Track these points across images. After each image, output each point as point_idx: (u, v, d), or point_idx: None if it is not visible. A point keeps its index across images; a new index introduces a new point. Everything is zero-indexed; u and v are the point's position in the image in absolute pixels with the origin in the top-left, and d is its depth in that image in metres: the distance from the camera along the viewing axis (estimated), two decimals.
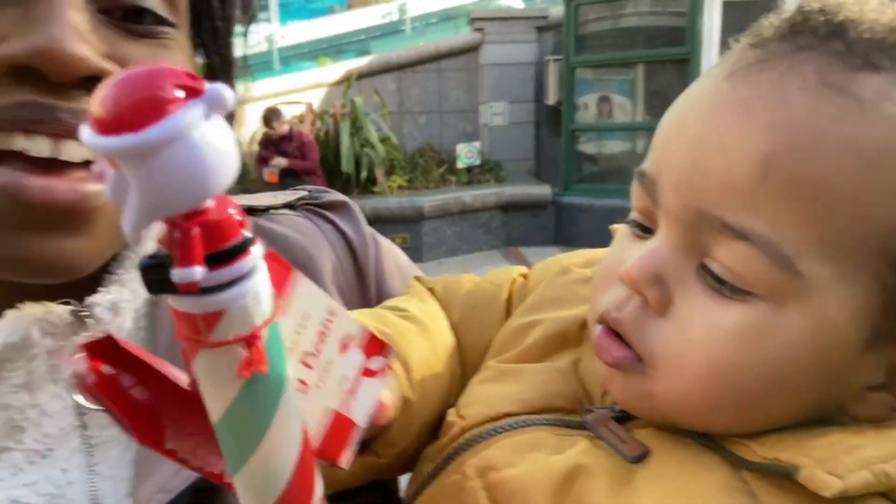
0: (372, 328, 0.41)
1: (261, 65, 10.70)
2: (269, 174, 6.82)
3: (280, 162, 6.81)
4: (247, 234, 0.28)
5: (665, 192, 0.43)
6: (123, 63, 0.44)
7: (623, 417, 0.47)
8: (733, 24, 6.65)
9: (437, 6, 12.05)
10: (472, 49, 8.87)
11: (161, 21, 0.46)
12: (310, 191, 0.70)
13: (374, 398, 0.41)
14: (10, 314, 0.48)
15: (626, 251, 0.46)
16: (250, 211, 0.63)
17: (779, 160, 0.38)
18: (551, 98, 8.17)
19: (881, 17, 0.40)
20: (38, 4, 0.41)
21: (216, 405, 0.30)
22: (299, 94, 8.42)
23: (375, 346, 0.40)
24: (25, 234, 0.43)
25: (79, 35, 0.41)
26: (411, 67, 8.84)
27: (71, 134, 0.41)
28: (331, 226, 0.67)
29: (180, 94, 0.25)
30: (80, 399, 0.49)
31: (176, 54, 0.48)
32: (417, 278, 0.66)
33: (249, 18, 0.56)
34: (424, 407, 0.52)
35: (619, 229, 0.50)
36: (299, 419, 0.33)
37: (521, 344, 0.54)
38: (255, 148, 7.27)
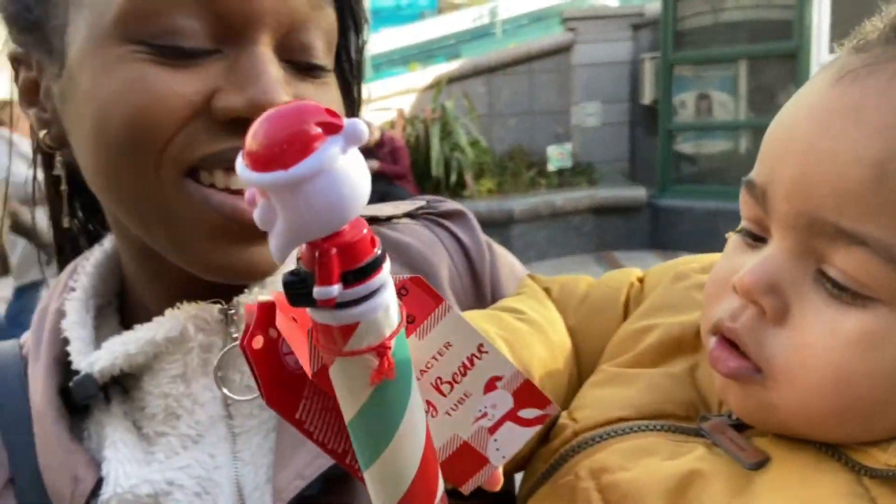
0: (532, 381, 0.41)
1: None
2: None
3: (372, 165, 6.96)
4: (378, 252, 0.31)
5: (777, 201, 0.43)
6: (306, 94, 0.52)
7: (740, 425, 0.47)
8: (843, 17, 6.31)
9: (528, 7, 12.07)
10: (563, 49, 8.81)
11: (321, 67, 0.53)
12: (428, 201, 0.73)
13: (518, 445, 0.41)
14: (170, 312, 0.55)
15: (737, 260, 0.46)
16: (373, 220, 0.67)
17: (892, 164, 0.38)
18: (647, 97, 8.01)
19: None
20: (245, 59, 0.47)
21: (349, 407, 0.34)
22: (390, 99, 8.60)
23: (532, 396, 0.40)
24: (239, 246, 0.50)
25: (282, 87, 0.48)
26: (502, 70, 8.86)
27: None
28: (448, 234, 0.70)
29: (322, 130, 0.28)
30: (227, 392, 0.56)
31: (333, 90, 0.55)
32: (532, 277, 0.67)
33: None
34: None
35: (731, 238, 0.49)
36: (424, 424, 0.36)
37: (635, 348, 0.54)
38: None
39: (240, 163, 0.29)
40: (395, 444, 0.34)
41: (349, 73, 0.61)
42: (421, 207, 0.72)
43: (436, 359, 0.38)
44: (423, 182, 7.65)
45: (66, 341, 0.57)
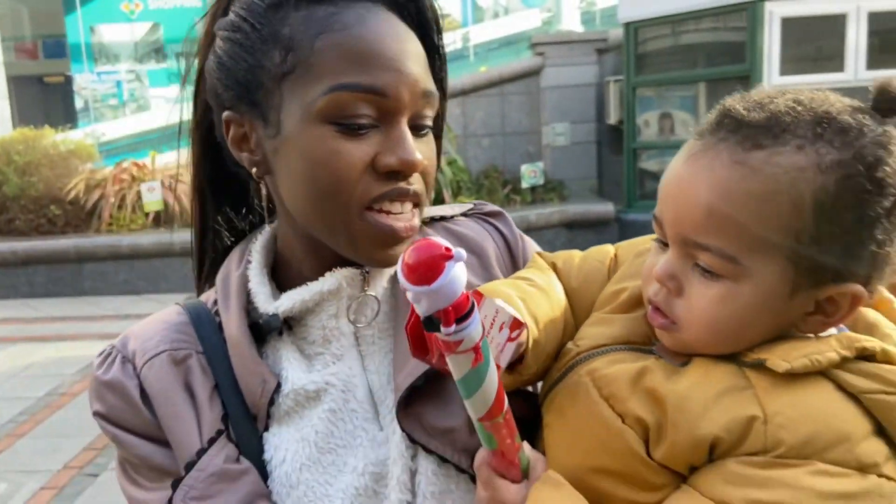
0: (514, 313, 0.67)
1: None
2: None
3: None
4: (472, 301, 0.55)
5: (666, 227, 0.71)
6: (424, 155, 0.76)
7: None
8: (793, 41, 6.70)
9: (499, 33, 12.35)
10: (533, 73, 9.15)
11: (430, 127, 0.80)
12: (475, 204, 1.00)
13: (512, 354, 0.69)
14: (329, 274, 0.81)
15: (655, 259, 0.74)
16: (441, 218, 0.95)
17: (714, 206, 0.66)
18: (612, 117, 8.35)
19: (760, 114, 0.67)
20: (394, 132, 0.74)
21: (458, 373, 0.60)
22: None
23: (517, 324, 0.67)
24: (391, 249, 0.77)
25: (416, 150, 0.74)
26: (475, 92, 9.17)
27: (410, 200, 0.77)
28: (493, 227, 0.97)
29: (445, 255, 0.52)
30: (358, 327, 0.82)
31: (433, 144, 0.81)
32: (540, 254, 0.93)
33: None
34: (548, 345, 0.78)
35: (652, 244, 0.77)
36: (496, 373, 0.62)
37: (614, 302, 0.81)
38: None
39: (401, 275, 0.52)
40: (482, 389, 0.61)
41: (439, 128, 0.85)
42: (471, 209, 0.99)
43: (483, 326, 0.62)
44: None
45: (248, 296, 0.83)
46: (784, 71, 6.70)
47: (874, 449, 0.63)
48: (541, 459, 0.73)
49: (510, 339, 0.68)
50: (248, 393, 0.79)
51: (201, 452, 0.77)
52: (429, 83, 0.77)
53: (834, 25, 6.67)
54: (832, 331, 0.71)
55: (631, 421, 0.68)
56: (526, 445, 0.72)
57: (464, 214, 0.97)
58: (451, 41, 12.49)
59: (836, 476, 0.61)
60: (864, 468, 0.62)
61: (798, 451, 0.62)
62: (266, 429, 0.80)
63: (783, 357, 0.65)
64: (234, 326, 0.81)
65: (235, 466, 0.76)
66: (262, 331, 0.81)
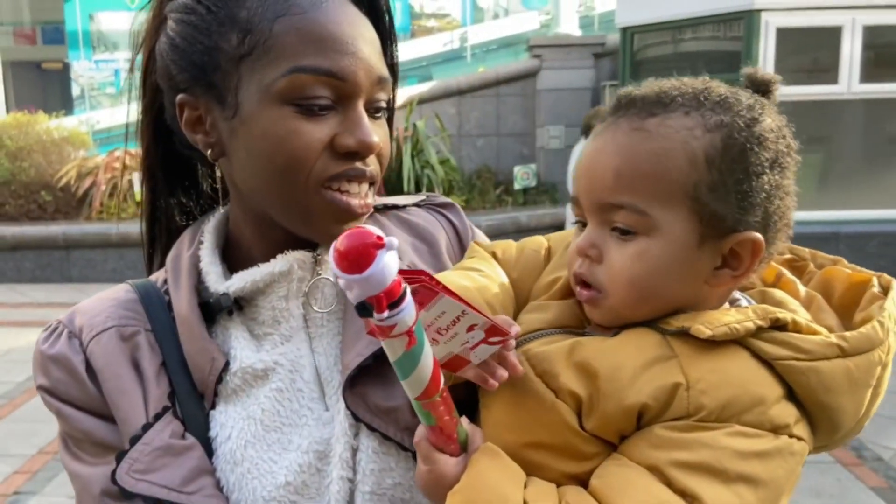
0: (494, 320, 0.68)
1: None
2: None
3: None
4: (405, 287, 0.56)
5: (582, 200, 0.77)
6: (380, 137, 0.78)
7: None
8: (788, 50, 6.73)
9: (497, 34, 12.39)
10: (530, 75, 9.19)
11: (384, 109, 0.82)
12: (427, 195, 1.02)
13: (488, 353, 0.71)
14: (281, 256, 0.83)
15: (577, 238, 0.79)
16: (394, 207, 0.97)
17: (621, 167, 0.74)
18: None
19: (650, 91, 0.77)
20: (351, 114, 0.76)
21: (392, 356, 0.62)
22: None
23: (495, 331, 0.69)
24: (345, 225, 0.77)
25: (373, 132, 0.76)
26: (471, 93, 9.22)
27: (367, 181, 0.79)
28: (444, 217, 0.99)
29: (376, 246, 0.53)
30: (307, 309, 0.84)
31: (387, 127, 0.83)
32: (477, 243, 0.97)
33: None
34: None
35: (574, 229, 0.82)
36: (431, 355, 0.65)
37: (549, 291, 0.85)
38: None
39: (333, 263, 0.53)
40: (417, 370, 0.63)
41: (392, 112, 0.87)
42: (423, 199, 1.01)
43: (436, 319, 0.65)
44: (393, 195, 7.89)
45: (200, 275, 0.84)
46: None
47: (786, 412, 0.69)
48: (478, 432, 0.75)
49: (486, 342, 0.70)
50: (196, 370, 0.81)
51: (147, 427, 0.77)
52: (383, 69, 0.79)
53: (829, 37, 6.71)
54: (743, 302, 0.79)
55: (564, 395, 0.72)
56: (464, 420, 0.74)
57: (416, 205, 1.00)
58: (449, 41, 12.54)
59: (752, 437, 0.67)
60: (776, 429, 0.68)
61: (718, 415, 0.68)
62: (213, 406, 0.81)
63: (706, 324, 0.71)
64: (183, 305, 0.82)
65: (180, 442, 0.77)
66: (213, 310, 0.82)
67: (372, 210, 0.81)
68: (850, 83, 6.73)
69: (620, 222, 0.74)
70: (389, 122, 0.85)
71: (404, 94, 9.24)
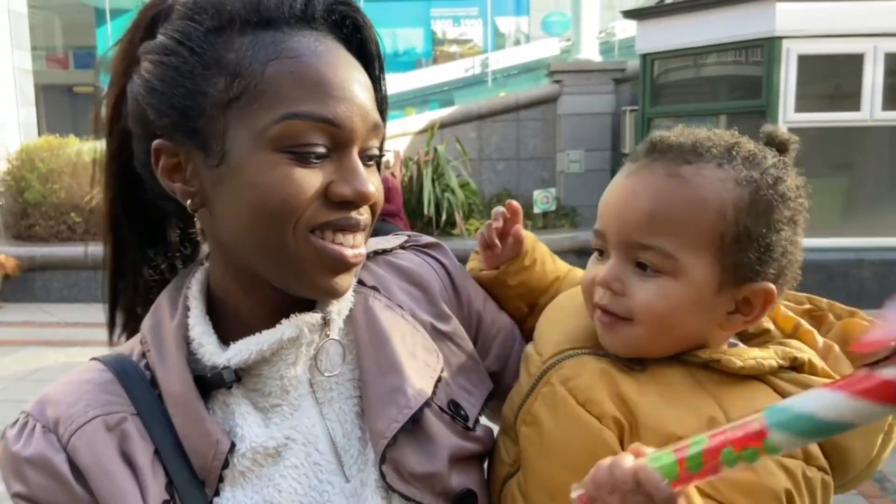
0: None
1: None
2: None
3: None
4: None
5: (610, 236, 0.81)
6: (374, 185, 0.74)
7: None
8: (808, 78, 6.71)
9: (518, 59, 12.48)
10: (550, 100, 9.24)
11: (377, 156, 0.78)
12: (409, 236, 0.96)
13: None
14: (288, 320, 0.76)
15: (595, 268, 0.83)
16: (381, 252, 0.91)
17: (655, 211, 0.77)
18: (628, 147, 8.38)
19: (685, 139, 0.81)
20: (346, 162, 0.71)
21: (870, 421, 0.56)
22: (386, 142, 8.87)
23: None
24: (339, 276, 0.74)
25: (369, 181, 0.72)
26: (491, 117, 9.27)
27: (360, 231, 0.75)
28: (434, 259, 0.94)
29: None
30: (312, 373, 0.78)
31: (378, 173, 0.79)
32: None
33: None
34: (530, 282, 0.98)
35: (592, 257, 0.86)
36: None
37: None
38: None
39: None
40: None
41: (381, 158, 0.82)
42: (407, 240, 0.95)
43: None
44: (415, 220, 7.91)
45: (189, 347, 0.75)
46: (800, 108, 6.71)
47: (812, 445, 0.73)
48: None
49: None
50: (195, 455, 0.72)
51: None
52: (377, 115, 0.76)
53: (851, 65, 6.68)
54: (741, 345, 0.83)
55: (608, 422, 0.75)
56: None
57: (401, 247, 0.95)
58: (470, 66, 12.65)
59: (793, 468, 0.71)
60: (808, 459, 0.73)
61: None
62: (216, 493, 0.72)
63: (736, 357, 0.76)
64: (175, 382, 0.74)
65: None
66: (209, 385, 0.75)
67: (364, 259, 0.77)
68: (872, 110, 6.69)
69: (648, 261, 0.78)
70: (378, 167, 0.82)
71: (426, 118, 9.34)
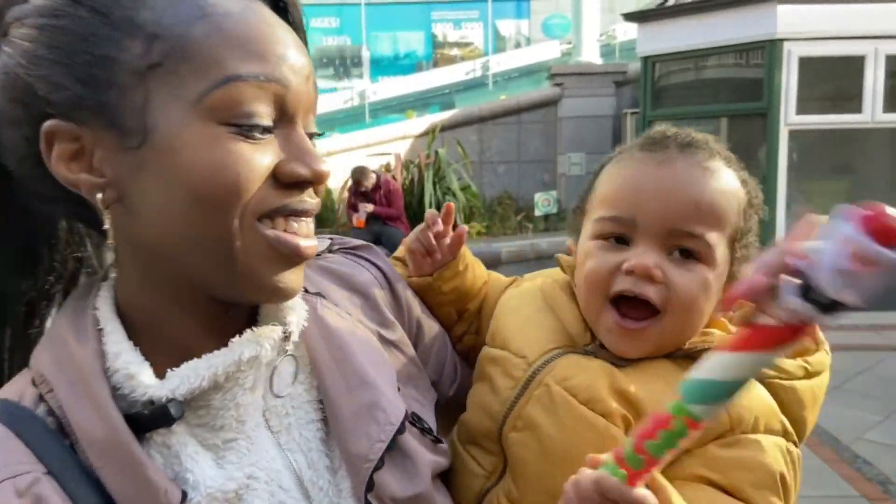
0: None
1: (353, 118, 11.40)
2: (357, 219, 7.29)
3: (367, 207, 7.28)
4: None
5: (647, 222, 0.79)
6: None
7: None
8: (810, 80, 6.70)
9: (518, 62, 12.48)
10: (551, 102, 9.24)
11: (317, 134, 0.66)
12: (333, 238, 0.87)
13: None
14: (247, 335, 0.64)
15: (610, 256, 0.81)
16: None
17: (701, 200, 0.79)
18: None
19: (694, 137, 0.83)
20: (292, 135, 0.61)
21: (752, 374, 0.60)
22: (387, 145, 8.93)
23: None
24: (291, 272, 0.63)
25: (323, 158, 0.62)
26: (492, 120, 9.28)
27: (313, 215, 0.65)
28: (367, 262, 0.86)
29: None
30: (266, 398, 0.67)
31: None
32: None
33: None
34: (463, 288, 0.96)
35: (593, 244, 0.84)
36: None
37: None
38: (346, 195, 7.79)
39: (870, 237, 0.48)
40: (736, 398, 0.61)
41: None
42: (333, 244, 0.86)
43: None
44: (415, 223, 7.80)
45: (110, 379, 0.60)
46: (801, 110, 6.69)
47: (786, 422, 0.79)
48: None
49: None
50: None
51: None
52: (315, 82, 0.66)
53: (852, 67, 6.67)
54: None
55: (615, 419, 0.76)
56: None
57: (329, 250, 0.86)
58: (471, 69, 12.66)
59: (778, 437, 0.77)
60: (786, 434, 0.77)
61: (753, 426, 0.76)
62: None
63: (706, 344, 0.79)
64: (99, 427, 0.58)
65: None
66: (142, 426, 0.60)
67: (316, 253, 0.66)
68: (873, 112, 6.68)
69: (692, 248, 0.79)
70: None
71: (426, 121, 9.34)
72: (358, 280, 0.82)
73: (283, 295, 0.63)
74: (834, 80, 7.05)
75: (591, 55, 10.13)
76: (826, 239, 0.52)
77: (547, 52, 12.53)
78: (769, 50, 6.70)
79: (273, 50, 0.59)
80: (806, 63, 6.65)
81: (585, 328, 0.85)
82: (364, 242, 0.89)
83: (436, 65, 14.72)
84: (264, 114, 0.59)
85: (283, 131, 0.61)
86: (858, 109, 6.70)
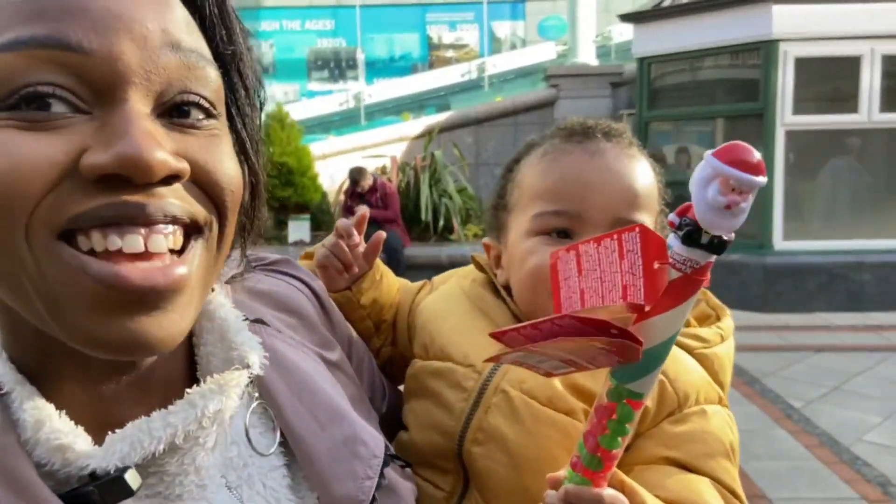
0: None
1: (349, 120, 11.39)
2: None
3: (362, 210, 7.23)
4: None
5: (593, 214, 0.80)
6: (189, 156, 0.46)
7: None
8: (807, 80, 6.71)
9: (514, 64, 12.50)
10: (547, 104, 9.25)
11: (207, 114, 0.49)
12: (247, 256, 0.66)
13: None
14: (211, 381, 0.53)
15: (550, 251, 0.77)
16: (231, 277, 0.66)
17: (638, 187, 0.82)
18: None
19: (609, 124, 0.87)
20: (114, 117, 0.44)
21: (671, 332, 0.62)
22: (383, 147, 8.92)
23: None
24: (123, 316, 0.44)
25: (156, 142, 0.43)
26: (489, 122, 9.28)
27: (157, 226, 0.45)
28: (295, 279, 0.75)
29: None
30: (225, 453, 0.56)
31: (223, 140, 0.50)
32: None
33: (261, 104, 0.58)
34: (380, 299, 0.94)
35: (534, 240, 0.83)
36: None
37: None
38: (342, 197, 7.77)
39: (738, 169, 0.53)
40: (663, 364, 0.63)
41: (242, 128, 0.55)
42: (251, 262, 0.70)
43: None
44: (412, 226, 7.89)
45: (35, 452, 0.47)
46: (797, 110, 6.70)
47: (715, 389, 0.82)
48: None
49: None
50: None
51: None
52: (184, 36, 0.48)
53: (848, 67, 6.68)
54: None
55: (577, 415, 0.76)
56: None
57: (248, 269, 0.70)
58: (467, 71, 12.66)
59: (717, 405, 0.80)
60: (721, 401, 0.81)
61: (696, 399, 0.79)
62: None
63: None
64: None
65: None
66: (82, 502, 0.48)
67: (185, 282, 0.47)
68: (870, 112, 6.68)
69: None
70: (241, 140, 0.55)
71: (422, 123, 9.34)
72: (291, 299, 0.72)
73: (122, 348, 0.45)
74: (830, 80, 7.06)
75: (587, 56, 10.12)
76: (697, 183, 0.56)
77: (543, 53, 12.54)
78: (765, 51, 6.71)
79: (69, 7, 0.43)
80: (802, 63, 6.67)
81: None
82: (281, 256, 0.78)
83: (431, 67, 14.71)
84: (53, 86, 0.43)
85: (104, 112, 0.45)
86: (855, 109, 6.71)
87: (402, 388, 0.92)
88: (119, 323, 0.44)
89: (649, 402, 0.75)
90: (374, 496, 0.58)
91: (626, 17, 7.95)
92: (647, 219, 0.81)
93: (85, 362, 0.49)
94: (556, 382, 0.76)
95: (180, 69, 0.47)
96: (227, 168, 0.50)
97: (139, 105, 0.45)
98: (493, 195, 0.93)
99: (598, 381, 0.73)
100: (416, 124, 9.39)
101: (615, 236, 0.60)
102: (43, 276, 0.44)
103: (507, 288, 0.87)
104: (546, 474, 0.71)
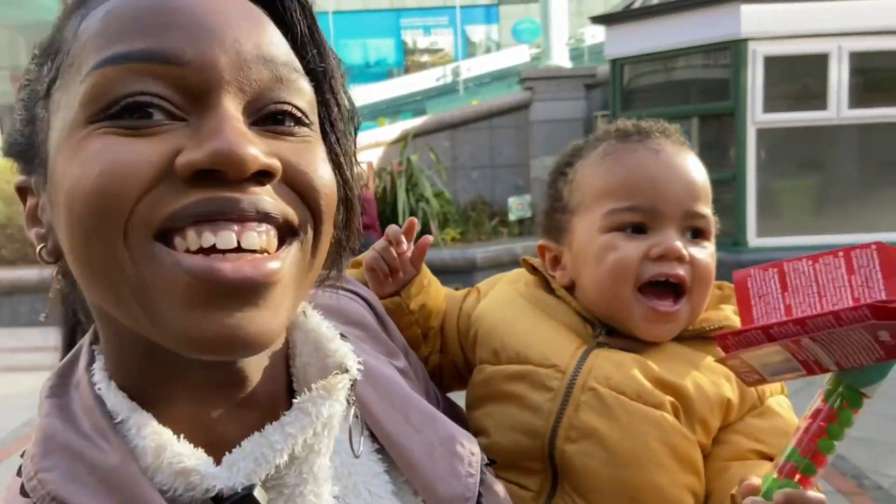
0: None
1: None
2: None
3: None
4: None
5: (668, 208, 0.84)
6: (282, 157, 0.47)
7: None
8: (776, 78, 6.79)
9: (489, 68, 12.54)
10: (522, 107, 9.26)
11: (300, 122, 0.50)
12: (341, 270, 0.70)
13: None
14: (320, 384, 0.53)
15: (632, 244, 0.85)
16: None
17: (702, 181, 0.88)
18: None
19: (662, 122, 0.92)
20: (208, 119, 0.45)
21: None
22: (359, 153, 8.87)
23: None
24: (219, 311, 0.44)
25: (247, 138, 0.45)
26: (464, 125, 9.27)
27: (250, 223, 0.46)
28: (348, 292, 0.75)
29: None
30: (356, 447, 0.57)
31: (317, 147, 0.51)
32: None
33: (356, 125, 0.61)
34: (428, 304, 0.94)
35: (607, 237, 0.86)
36: None
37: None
38: None
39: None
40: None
41: (336, 143, 0.56)
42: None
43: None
44: None
45: (156, 478, 0.47)
46: (768, 108, 6.77)
47: None
48: None
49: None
50: None
51: None
52: (276, 52, 0.49)
53: (816, 64, 6.76)
54: None
55: (666, 408, 0.78)
56: None
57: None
58: (442, 75, 12.67)
59: (782, 395, 0.84)
60: (783, 389, 0.85)
61: (770, 391, 0.82)
62: None
63: (721, 322, 0.85)
64: None
65: None
66: None
67: (277, 277, 0.47)
68: (839, 109, 6.78)
69: (701, 226, 0.86)
70: (337, 157, 0.56)
71: (398, 128, 9.31)
72: (352, 311, 0.73)
73: (219, 346, 0.45)
74: (799, 78, 7.15)
75: (560, 59, 10.17)
76: None
77: (517, 56, 12.60)
78: (734, 50, 6.78)
79: (165, 20, 0.46)
80: (771, 62, 6.75)
81: (584, 323, 0.86)
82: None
83: (406, 71, 14.72)
84: (152, 95, 0.45)
85: (198, 117, 0.46)
86: (824, 106, 6.80)
87: (449, 394, 0.92)
88: (213, 318, 0.44)
89: (733, 395, 0.79)
90: (480, 493, 0.58)
91: (597, 20, 8.00)
92: (709, 210, 0.86)
93: (193, 383, 0.50)
94: (641, 377, 0.79)
95: (272, 81, 0.48)
96: (322, 172, 0.51)
97: (232, 109, 0.46)
98: (547, 199, 0.95)
99: (675, 371, 0.79)
100: (392, 129, 9.36)
101: (840, 254, 0.63)
102: (140, 277, 0.44)
103: (568, 288, 0.89)
104: (644, 468, 0.76)
